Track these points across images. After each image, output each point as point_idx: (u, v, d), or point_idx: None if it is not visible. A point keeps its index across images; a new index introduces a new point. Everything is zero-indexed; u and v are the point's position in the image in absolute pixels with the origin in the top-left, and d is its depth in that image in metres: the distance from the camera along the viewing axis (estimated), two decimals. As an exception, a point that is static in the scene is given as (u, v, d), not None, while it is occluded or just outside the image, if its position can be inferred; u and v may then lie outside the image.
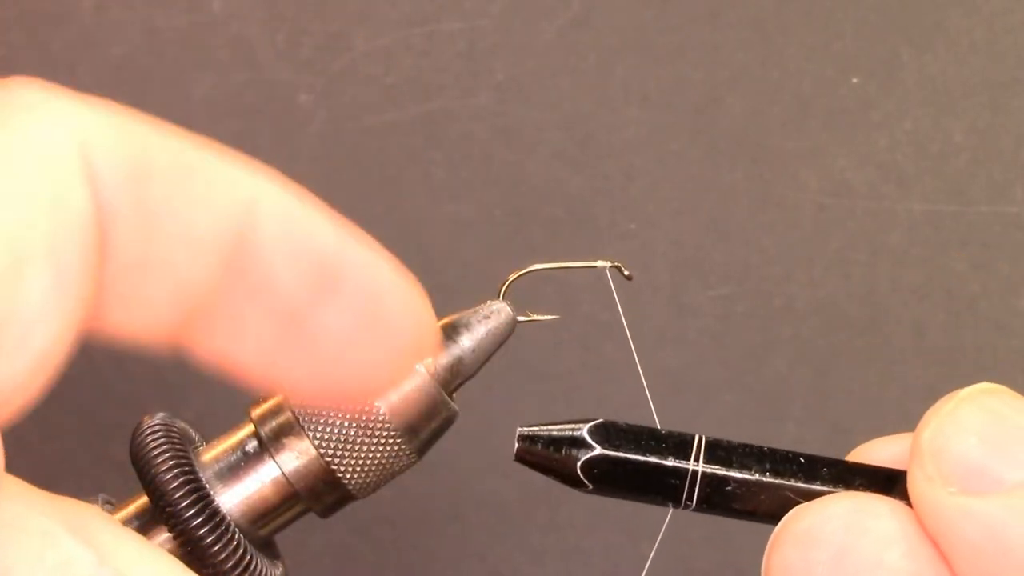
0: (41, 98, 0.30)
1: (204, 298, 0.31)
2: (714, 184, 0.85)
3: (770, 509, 0.38)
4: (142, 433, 0.42)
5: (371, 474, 0.42)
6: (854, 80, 0.84)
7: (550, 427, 0.39)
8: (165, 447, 0.41)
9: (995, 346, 0.82)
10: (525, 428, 0.39)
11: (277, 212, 0.32)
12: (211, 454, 0.42)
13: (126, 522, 0.42)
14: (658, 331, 0.86)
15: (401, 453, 0.42)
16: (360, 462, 0.41)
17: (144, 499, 0.42)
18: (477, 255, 0.86)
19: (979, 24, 0.82)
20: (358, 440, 0.41)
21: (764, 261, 0.86)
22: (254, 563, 0.41)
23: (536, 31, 0.84)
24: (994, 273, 0.84)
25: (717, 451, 0.38)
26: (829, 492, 0.38)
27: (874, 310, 0.86)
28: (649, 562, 0.42)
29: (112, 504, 0.43)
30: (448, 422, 0.43)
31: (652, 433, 0.39)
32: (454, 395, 0.43)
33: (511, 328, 0.43)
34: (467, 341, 0.42)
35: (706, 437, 0.38)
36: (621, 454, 0.38)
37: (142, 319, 0.31)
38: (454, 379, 0.42)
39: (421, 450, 0.42)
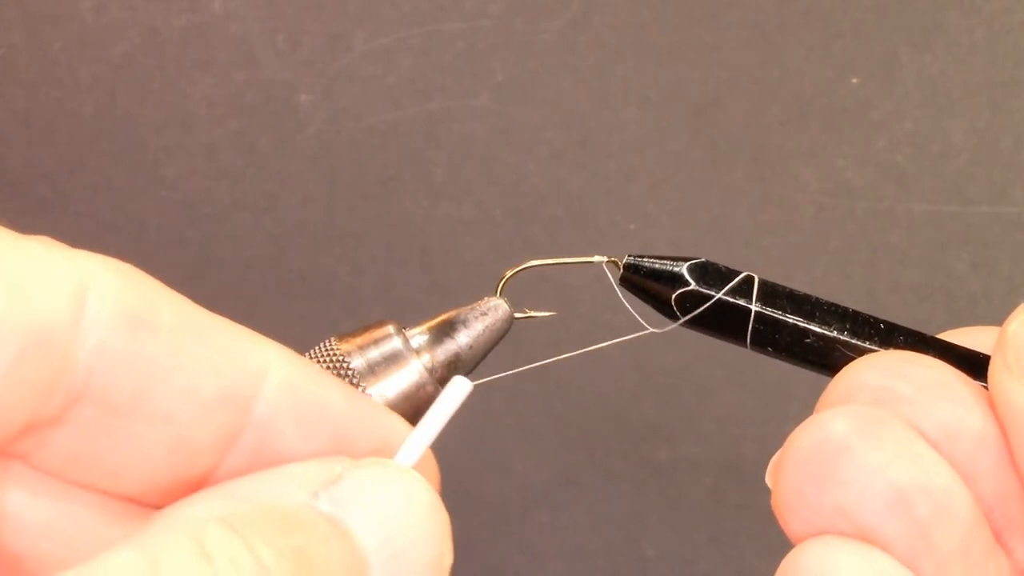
0: (41, 246, 0.32)
1: (203, 459, 0.32)
2: (714, 184, 0.85)
3: (841, 366, 0.39)
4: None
5: (368, 471, 0.41)
6: (854, 80, 0.84)
7: (654, 259, 0.41)
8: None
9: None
10: (632, 257, 0.42)
11: (287, 383, 0.33)
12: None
13: None
14: (658, 331, 0.86)
15: (399, 450, 0.42)
16: (357, 459, 0.41)
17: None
18: (477, 255, 0.86)
19: (979, 24, 0.82)
20: (355, 437, 0.41)
21: (764, 261, 0.86)
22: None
23: (536, 31, 0.84)
24: (994, 273, 0.84)
25: (803, 305, 0.40)
26: None
27: (874, 310, 0.86)
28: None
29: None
30: (446, 419, 0.43)
31: (746, 279, 0.41)
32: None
33: (508, 324, 0.43)
34: (464, 338, 0.42)
35: (794, 290, 0.41)
36: (712, 293, 0.40)
37: (139, 471, 0.32)
38: (452, 376, 0.42)
39: (419, 447, 0.42)
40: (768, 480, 0.37)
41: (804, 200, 0.85)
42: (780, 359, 0.40)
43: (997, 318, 0.94)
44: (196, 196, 0.87)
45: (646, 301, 0.42)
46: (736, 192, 0.85)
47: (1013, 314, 0.36)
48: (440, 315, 0.43)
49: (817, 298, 0.41)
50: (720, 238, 0.85)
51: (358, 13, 0.84)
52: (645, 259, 0.41)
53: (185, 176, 0.87)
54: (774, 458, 0.36)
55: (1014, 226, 0.84)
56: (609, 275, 0.43)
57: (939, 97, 0.83)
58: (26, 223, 0.98)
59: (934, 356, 0.38)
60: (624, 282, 0.42)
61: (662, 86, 0.84)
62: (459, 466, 0.91)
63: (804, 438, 0.35)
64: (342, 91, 0.85)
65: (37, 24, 0.85)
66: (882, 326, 0.40)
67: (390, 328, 0.42)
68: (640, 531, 0.89)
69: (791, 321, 0.40)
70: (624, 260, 0.42)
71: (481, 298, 0.44)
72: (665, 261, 0.41)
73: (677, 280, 0.40)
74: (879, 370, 0.36)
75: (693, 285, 0.40)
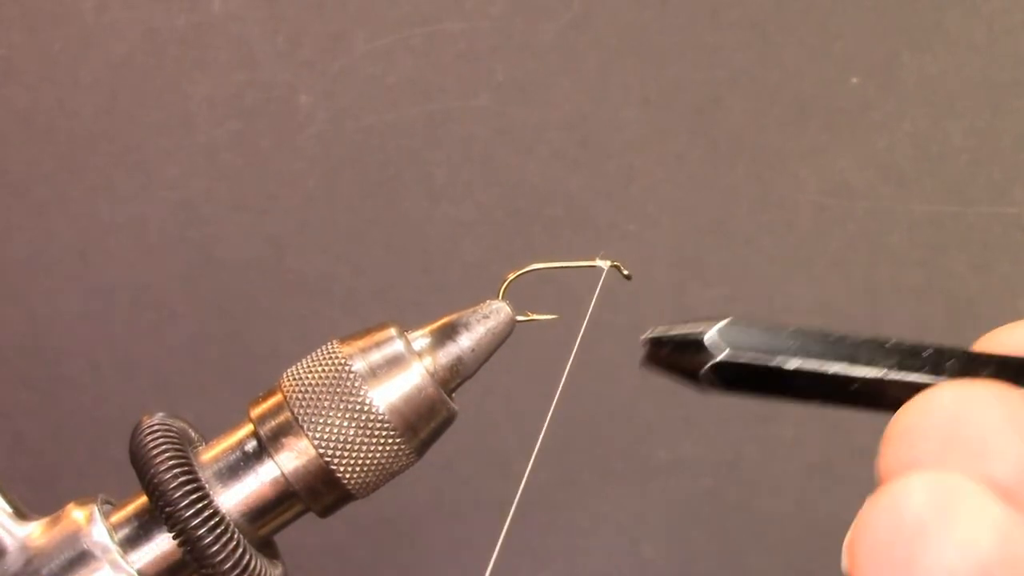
0: None
1: None
2: (714, 184, 0.85)
3: (895, 403, 0.35)
4: (141, 433, 0.41)
5: (370, 474, 0.41)
6: (854, 80, 0.84)
7: (676, 330, 0.37)
8: (164, 447, 0.41)
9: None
10: (652, 332, 0.37)
11: None
12: (210, 454, 0.42)
13: (125, 522, 0.42)
14: (658, 331, 0.86)
15: (400, 452, 0.41)
16: (359, 462, 0.41)
17: (143, 499, 0.42)
18: (477, 255, 0.86)
19: (979, 25, 0.82)
20: (357, 440, 0.41)
21: (764, 261, 0.86)
22: (253, 563, 0.41)
23: (536, 31, 0.84)
24: (994, 273, 0.84)
25: (841, 347, 0.36)
26: None
27: (874, 310, 0.86)
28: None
29: (111, 504, 0.43)
30: (448, 421, 0.43)
31: (775, 334, 0.36)
32: (453, 395, 0.43)
33: (510, 327, 0.43)
34: (466, 341, 0.42)
35: (827, 331, 0.36)
36: (746, 361, 0.36)
37: None
38: (454, 378, 0.42)
39: (420, 450, 0.42)
40: (844, 565, 0.36)
41: (804, 200, 0.85)
42: (828, 407, 0.37)
43: (997, 318, 0.94)
44: (196, 196, 0.87)
45: (672, 376, 0.37)
46: (736, 192, 0.85)
47: None
48: (442, 318, 0.43)
49: (855, 336, 0.36)
50: (720, 238, 0.85)
51: (358, 13, 0.84)
52: (667, 330, 0.37)
53: (185, 176, 0.87)
54: (848, 537, 0.35)
55: (1014, 226, 0.84)
56: (600, 272, 0.43)
57: (939, 97, 0.83)
58: (26, 223, 0.99)
59: (990, 375, 0.35)
60: (649, 360, 0.37)
61: (662, 86, 0.84)
62: (459, 466, 0.92)
63: (878, 519, 0.33)
64: (342, 91, 0.85)
65: (37, 24, 0.85)
66: (929, 353, 0.36)
67: (392, 331, 0.42)
68: (640, 531, 0.89)
69: (832, 372, 0.36)
70: (645, 336, 0.37)
71: (483, 300, 0.43)
72: (690, 328, 0.37)
73: (703, 351, 0.36)
74: (940, 417, 0.34)
75: (722, 356, 0.36)
